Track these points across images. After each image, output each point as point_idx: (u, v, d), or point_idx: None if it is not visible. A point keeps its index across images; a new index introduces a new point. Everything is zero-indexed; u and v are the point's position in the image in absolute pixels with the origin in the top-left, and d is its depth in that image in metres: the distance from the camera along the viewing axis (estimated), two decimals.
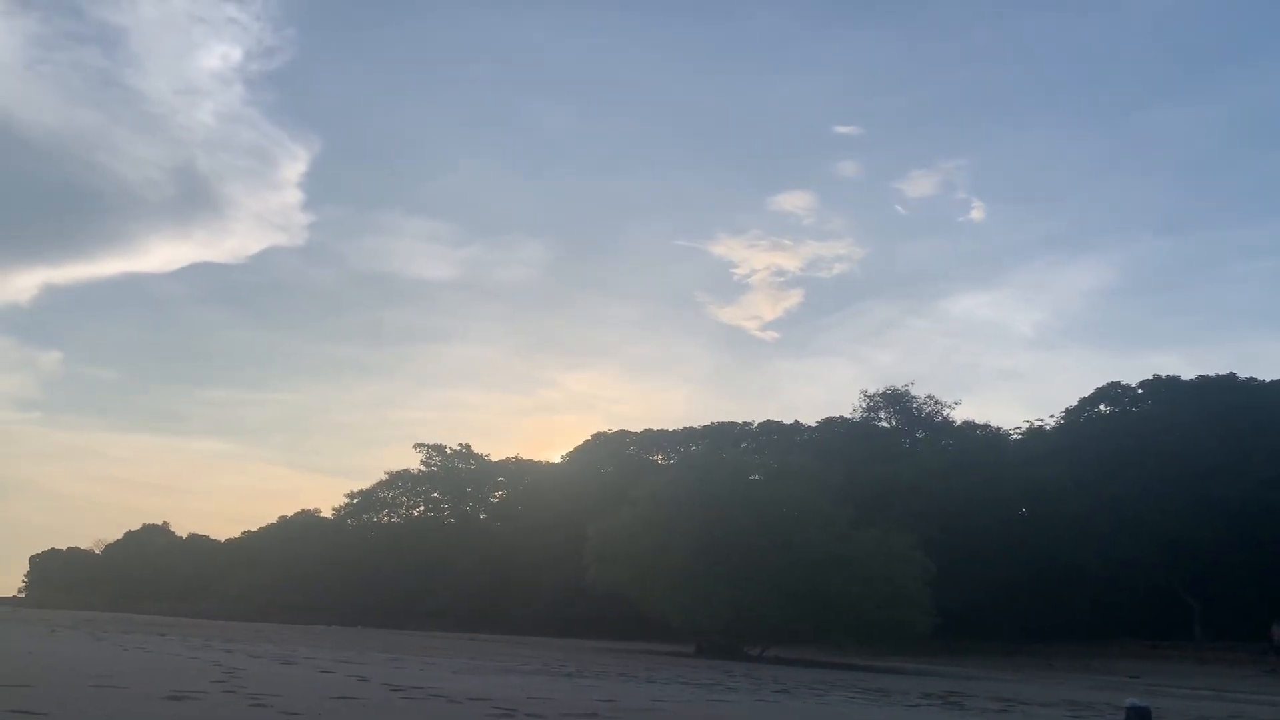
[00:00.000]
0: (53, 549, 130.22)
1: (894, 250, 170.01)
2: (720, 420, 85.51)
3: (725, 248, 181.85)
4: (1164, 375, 67.87)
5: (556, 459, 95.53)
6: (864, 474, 57.23)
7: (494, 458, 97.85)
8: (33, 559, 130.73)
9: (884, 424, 76.20)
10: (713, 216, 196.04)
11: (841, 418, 78.20)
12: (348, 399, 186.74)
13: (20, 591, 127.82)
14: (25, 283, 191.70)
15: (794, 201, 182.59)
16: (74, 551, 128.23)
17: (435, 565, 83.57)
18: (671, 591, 40.64)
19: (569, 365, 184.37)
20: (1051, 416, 72.59)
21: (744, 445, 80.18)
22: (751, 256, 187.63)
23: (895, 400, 74.99)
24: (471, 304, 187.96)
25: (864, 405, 76.11)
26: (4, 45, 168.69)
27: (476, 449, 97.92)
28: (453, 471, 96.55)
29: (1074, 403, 71.59)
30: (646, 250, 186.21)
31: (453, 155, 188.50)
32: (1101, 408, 70.28)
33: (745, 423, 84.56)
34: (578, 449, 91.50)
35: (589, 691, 15.84)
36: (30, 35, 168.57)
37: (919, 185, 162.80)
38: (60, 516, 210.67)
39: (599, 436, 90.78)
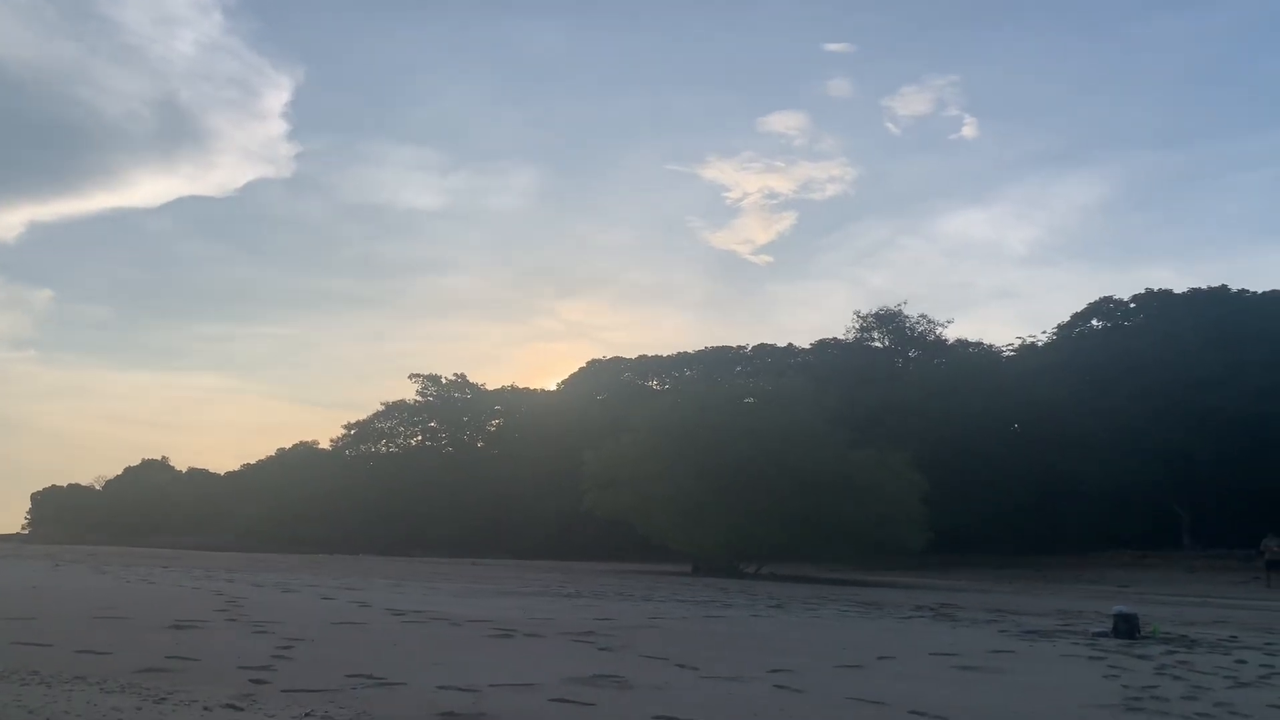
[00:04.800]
0: (53, 486, 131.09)
1: (886, 170, 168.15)
2: (714, 345, 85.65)
3: (717, 171, 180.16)
4: (1156, 289, 67.94)
5: (552, 387, 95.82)
6: (858, 395, 57.56)
7: (490, 387, 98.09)
8: (34, 496, 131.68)
9: (877, 344, 76.30)
10: (704, 139, 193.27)
11: (835, 339, 78.32)
12: (342, 331, 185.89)
13: (24, 529, 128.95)
14: (11, 220, 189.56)
15: (785, 122, 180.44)
16: (75, 488, 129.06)
17: (435, 494, 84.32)
18: (670, 516, 41.14)
19: (562, 293, 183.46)
20: (1044, 333, 72.86)
21: (738, 369, 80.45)
22: (743, 179, 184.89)
23: (888, 320, 75.00)
24: (462, 233, 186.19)
25: (857, 326, 76.14)
26: None
27: (472, 379, 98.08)
28: (449, 401, 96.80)
29: (1066, 319, 71.78)
30: (638, 175, 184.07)
31: (440, 81, 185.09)
32: (1094, 323, 70.45)
33: (739, 347, 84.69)
34: (573, 377, 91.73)
35: (587, 610, 16.10)
36: None
37: (910, 103, 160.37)
38: (60, 454, 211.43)
39: (594, 364, 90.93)
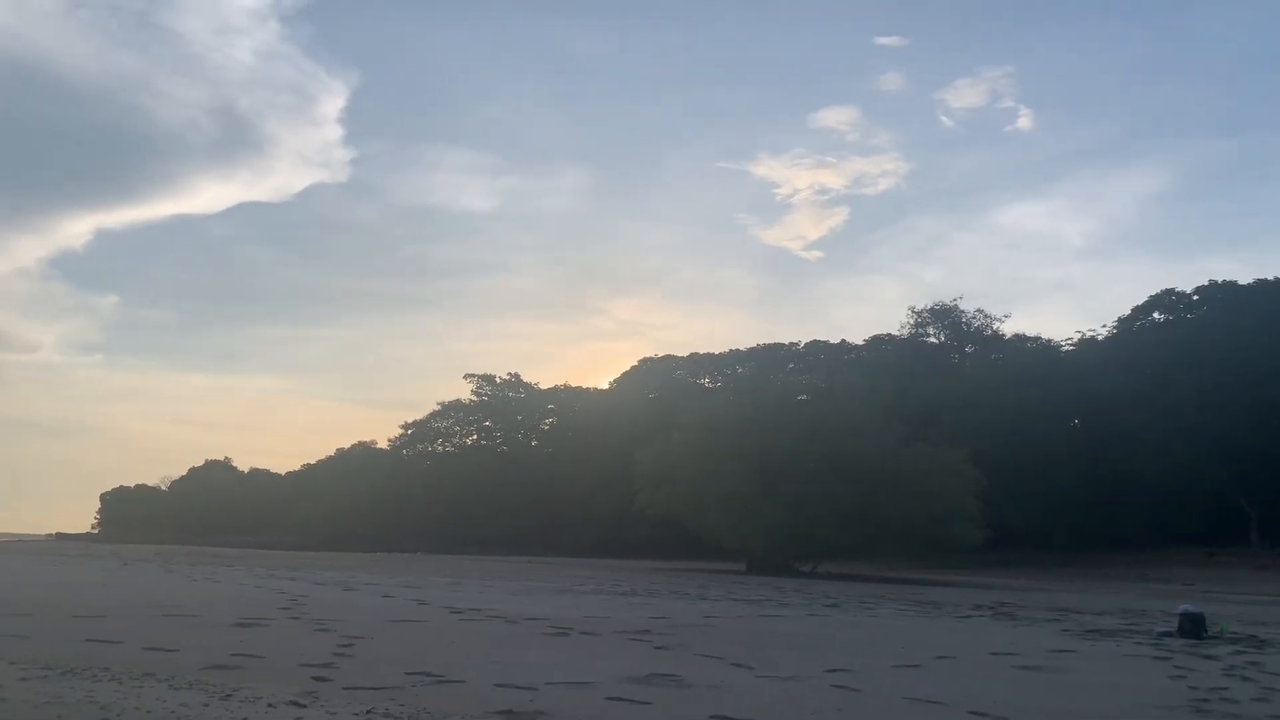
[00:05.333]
0: (121, 487, 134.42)
1: (940, 163, 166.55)
2: (766, 342, 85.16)
3: (767, 168, 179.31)
4: (1220, 280, 66.18)
5: (604, 385, 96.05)
6: (913, 390, 56.88)
7: (543, 386, 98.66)
8: (103, 496, 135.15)
9: (932, 340, 75.43)
10: (753, 137, 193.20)
11: (889, 335, 77.59)
12: (397, 333, 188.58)
13: (93, 528, 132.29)
14: (79, 228, 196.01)
15: (836, 117, 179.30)
16: (142, 488, 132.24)
17: (490, 492, 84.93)
18: (723, 514, 41.03)
19: (613, 292, 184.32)
20: (1104, 326, 71.38)
21: (791, 366, 79.93)
22: (794, 176, 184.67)
23: (944, 315, 74.08)
24: (514, 234, 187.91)
25: (912, 322, 75.38)
26: None
27: (525, 378, 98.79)
28: (503, 400, 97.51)
29: (1127, 312, 70.23)
30: (687, 174, 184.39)
31: (490, 84, 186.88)
32: (1155, 315, 68.80)
33: (792, 344, 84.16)
34: (625, 375, 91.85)
35: (642, 609, 16.14)
36: None
37: (964, 95, 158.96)
38: (127, 455, 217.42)
39: (646, 362, 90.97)
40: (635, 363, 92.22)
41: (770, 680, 8.40)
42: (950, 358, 73.40)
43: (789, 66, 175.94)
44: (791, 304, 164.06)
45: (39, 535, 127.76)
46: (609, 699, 7.13)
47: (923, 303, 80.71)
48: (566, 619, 13.44)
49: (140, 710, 6.17)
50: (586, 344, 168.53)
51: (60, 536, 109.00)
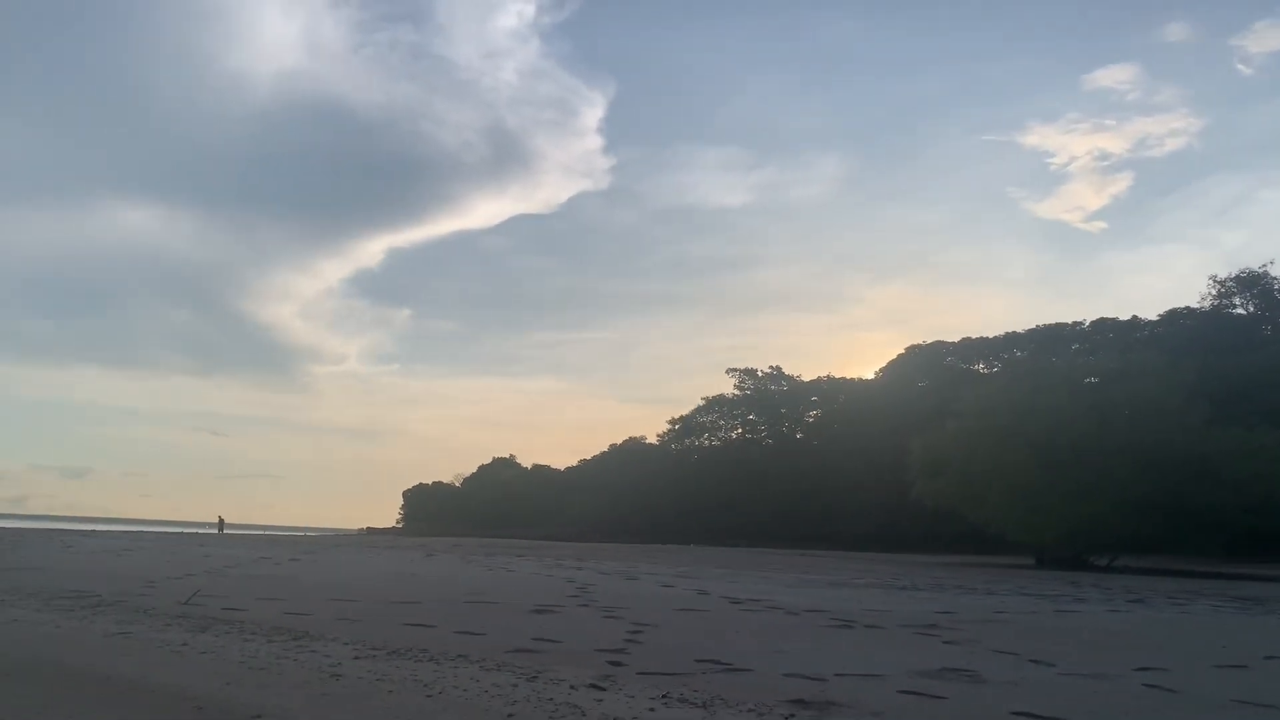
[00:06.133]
0: (420, 484, 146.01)
1: (1238, 117, 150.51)
2: (1046, 323, 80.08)
3: (1038, 136, 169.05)
4: None
5: (869, 375, 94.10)
6: (1218, 368, 51.65)
7: (805, 378, 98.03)
8: (405, 493, 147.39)
9: (1239, 311, 68.28)
10: (1021, 105, 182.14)
11: (1187, 308, 70.91)
12: (659, 331, 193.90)
13: (397, 522, 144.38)
14: (373, 249, 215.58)
15: (1114, 76, 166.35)
16: (438, 485, 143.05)
17: (757, 485, 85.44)
18: (1007, 504, 39.04)
19: (874, 279, 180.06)
20: None
21: (1075, 347, 74.77)
22: (1069, 143, 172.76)
23: (1251, 283, 66.88)
24: (769, 227, 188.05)
25: (1213, 293, 68.60)
26: (332, 36, 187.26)
27: (787, 370, 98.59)
28: (766, 394, 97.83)
29: None
30: (949, 151, 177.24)
31: (740, 79, 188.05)
32: None
33: (1075, 323, 78.66)
34: (890, 364, 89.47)
35: (926, 603, 15.66)
36: (352, 22, 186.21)
37: (1264, 39, 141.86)
38: (423, 455, 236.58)
39: (912, 349, 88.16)
40: (901, 350, 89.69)
41: (1074, 678, 7.91)
42: (1260, 330, 66.06)
43: (1056, 28, 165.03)
44: (1072, 280, 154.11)
45: (351, 530, 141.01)
46: (901, 692, 6.97)
47: (1225, 271, 73.32)
48: (848, 611, 13.27)
49: (457, 689, 6.67)
50: (847, 334, 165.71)
51: (370, 531, 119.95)
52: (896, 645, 9.96)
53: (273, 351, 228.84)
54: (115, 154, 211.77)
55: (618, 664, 7.85)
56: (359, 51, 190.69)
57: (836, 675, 7.55)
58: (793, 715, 6.08)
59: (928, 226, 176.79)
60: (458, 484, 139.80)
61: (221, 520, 74.08)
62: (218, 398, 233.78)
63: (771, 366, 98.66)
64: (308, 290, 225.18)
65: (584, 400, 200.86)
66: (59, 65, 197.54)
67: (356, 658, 7.87)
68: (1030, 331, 79.76)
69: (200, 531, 68.01)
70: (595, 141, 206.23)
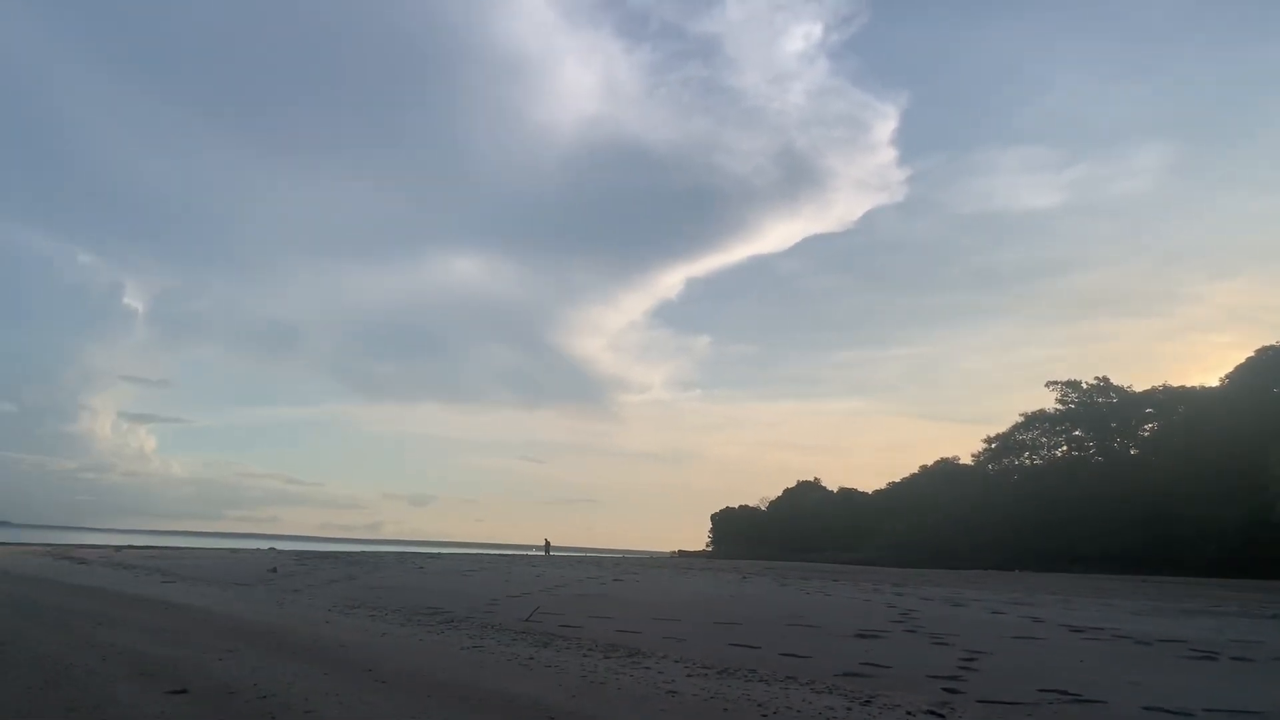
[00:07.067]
0: (727, 507, 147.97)
1: None
2: None
3: None
4: None
5: (1213, 382, 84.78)
6: None
7: (1136, 389, 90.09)
8: (713, 517, 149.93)
9: None
10: None
11: None
12: (967, 345, 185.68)
13: (707, 545, 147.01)
14: (672, 280, 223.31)
15: None
16: (744, 509, 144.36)
17: (1086, 506, 79.28)
18: None
19: (1213, 275, 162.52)
20: None
21: None
22: None
23: None
24: (1086, 227, 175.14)
25: None
26: (627, 79, 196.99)
27: (1115, 381, 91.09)
28: (1092, 407, 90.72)
29: None
30: None
31: (1044, 73, 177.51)
32: None
33: None
34: (1239, 368, 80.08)
35: None
36: (646, 65, 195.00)
37: None
38: (728, 479, 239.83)
39: (1266, 351, 78.51)
40: (1250, 353, 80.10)
41: None
42: None
43: None
44: None
45: (663, 552, 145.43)
46: None
47: None
48: (1210, 641, 12.01)
49: (791, 710, 6.70)
50: (1182, 337, 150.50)
51: (681, 553, 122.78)
52: (1274, 680, 8.90)
53: (585, 383, 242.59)
54: (443, 209, 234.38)
55: (953, 690, 7.57)
56: (654, 93, 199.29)
57: (1205, 710, 6.87)
58: None
59: (1272, 212, 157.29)
60: (763, 507, 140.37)
61: (548, 542, 78.67)
62: (538, 428, 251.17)
63: (1097, 377, 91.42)
64: (614, 323, 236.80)
65: (887, 420, 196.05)
66: (393, 133, 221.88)
67: (689, 675, 8.11)
68: None
69: (529, 553, 72.83)
70: (889, 154, 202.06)
